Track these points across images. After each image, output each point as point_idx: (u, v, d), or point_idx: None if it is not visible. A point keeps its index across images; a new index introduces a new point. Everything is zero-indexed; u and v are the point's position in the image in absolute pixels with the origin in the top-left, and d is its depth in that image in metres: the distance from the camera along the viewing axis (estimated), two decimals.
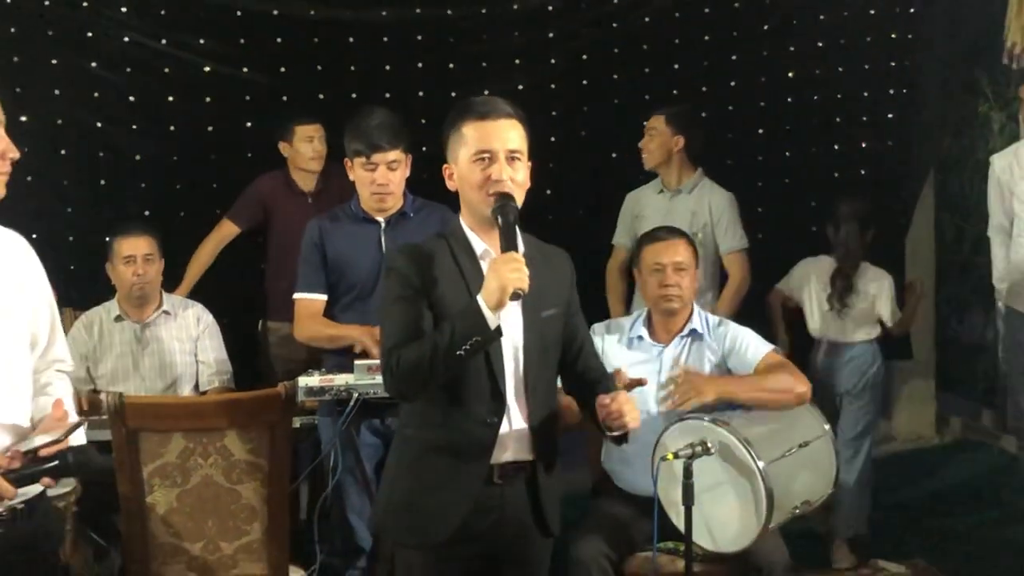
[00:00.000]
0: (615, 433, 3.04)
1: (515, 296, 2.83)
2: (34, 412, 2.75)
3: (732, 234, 5.50)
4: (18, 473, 2.55)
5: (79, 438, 2.76)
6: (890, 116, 6.90)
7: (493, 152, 2.96)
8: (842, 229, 5.50)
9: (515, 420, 3.04)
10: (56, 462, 2.59)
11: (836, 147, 6.88)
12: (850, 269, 5.46)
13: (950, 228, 7.04)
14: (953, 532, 5.75)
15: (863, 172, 6.86)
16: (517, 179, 2.99)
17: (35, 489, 2.66)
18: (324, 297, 4.24)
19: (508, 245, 2.88)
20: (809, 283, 5.59)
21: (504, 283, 2.81)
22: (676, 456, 3.64)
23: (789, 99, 6.74)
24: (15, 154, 2.67)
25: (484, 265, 2.98)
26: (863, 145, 6.88)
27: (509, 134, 2.99)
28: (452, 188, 3.08)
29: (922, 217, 7.27)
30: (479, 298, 2.85)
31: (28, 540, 2.72)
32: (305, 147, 5.56)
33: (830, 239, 5.57)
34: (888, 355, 5.86)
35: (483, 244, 3.04)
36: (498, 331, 2.87)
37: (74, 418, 2.76)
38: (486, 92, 6.09)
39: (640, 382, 3.88)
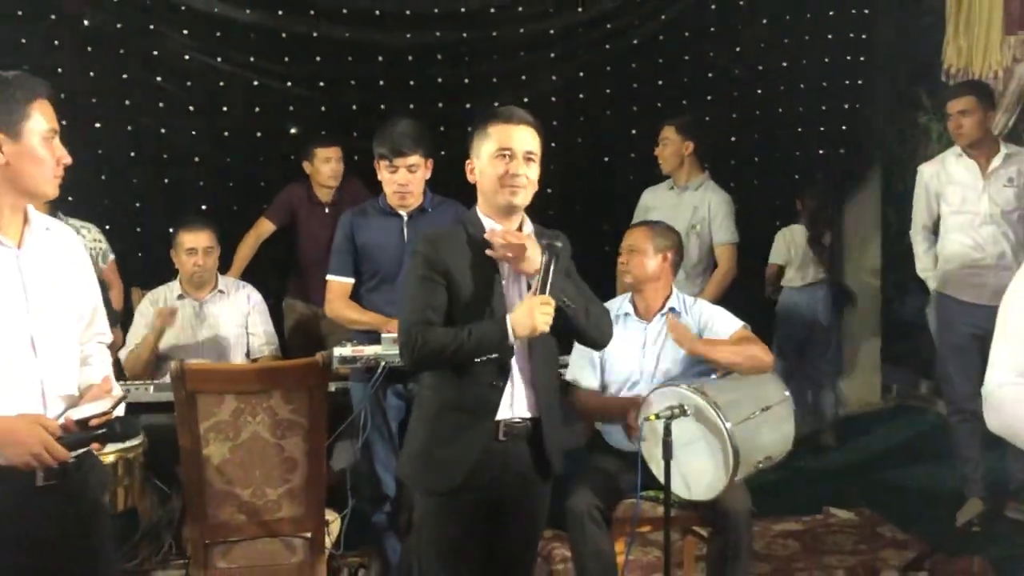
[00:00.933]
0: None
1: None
2: (80, 381, 2.75)
3: (724, 229, 5.53)
4: (72, 439, 2.56)
5: (119, 410, 2.75)
6: (844, 128, 6.94)
7: (513, 150, 3.00)
8: (811, 204, 6.45)
9: (517, 383, 3.06)
10: (104, 430, 2.61)
11: (797, 153, 6.92)
12: (819, 233, 6.43)
13: (894, 223, 7.01)
14: (894, 483, 5.80)
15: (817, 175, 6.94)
16: (531, 176, 3.04)
17: (79, 450, 2.66)
18: (352, 280, 4.24)
19: (544, 288, 2.92)
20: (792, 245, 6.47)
21: (535, 323, 2.89)
22: (657, 417, 3.66)
23: (757, 112, 6.76)
24: (68, 160, 2.65)
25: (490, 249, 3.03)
26: (820, 152, 6.93)
27: (527, 137, 3.04)
28: (472, 180, 3.11)
29: (871, 213, 7.29)
30: (509, 323, 2.89)
31: (79, 490, 2.71)
32: (324, 167, 5.57)
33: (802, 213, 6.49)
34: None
35: (496, 225, 3.06)
36: (512, 349, 2.96)
37: (118, 392, 2.76)
38: (495, 104, 6.17)
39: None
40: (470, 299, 3.01)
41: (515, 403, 3.07)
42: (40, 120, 2.58)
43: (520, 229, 3.11)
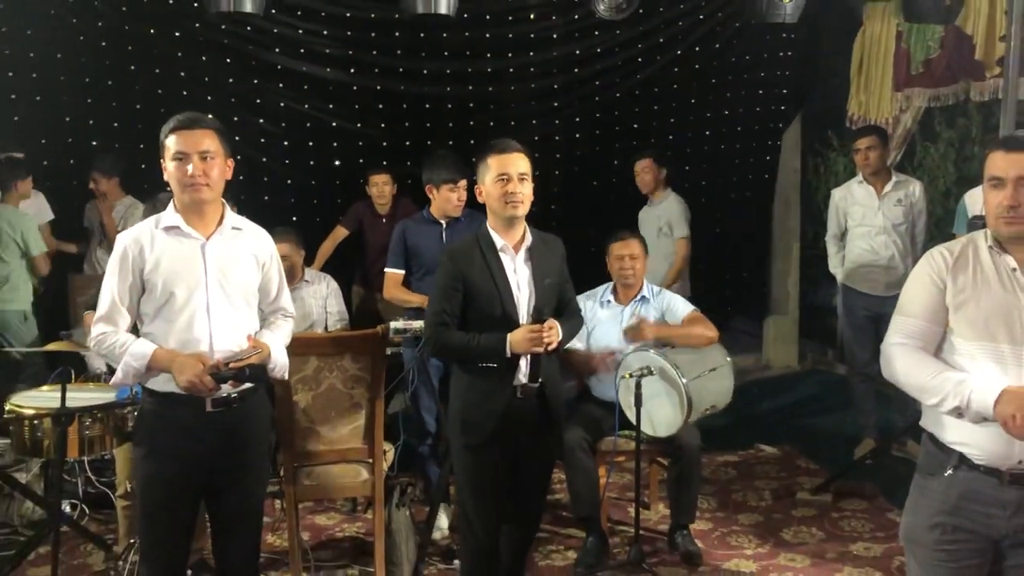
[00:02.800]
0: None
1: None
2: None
3: (679, 226, 5.59)
4: (218, 375, 2.60)
5: (281, 361, 2.83)
6: (767, 158, 6.93)
7: (509, 174, 2.96)
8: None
9: (532, 381, 3.04)
10: (235, 373, 2.64)
11: (734, 179, 6.91)
12: None
13: (810, 233, 6.98)
14: (808, 426, 5.80)
15: (748, 194, 6.97)
16: (526, 192, 3.00)
17: (247, 386, 2.72)
18: (403, 272, 4.24)
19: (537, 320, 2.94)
20: None
21: (528, 348, 2.91)
22: (631, 376, 3.69)
23: (705, 147, 6.76)
24: (190, 173, 2.62)
25: (503, 256, 3.01)
26: (749, 176, 6.91)
27: (520, 162, 2.99)
28: (481, 201, 3.08)
29: (792, 226, 7.27)
30: (509, 340, 2.90)
31: (242, 417, 2.75)
32: (374, 189, 5.54)
33: None
34: None
35: (502, 240, 3.02)
36: (509, 362, 2.95)
37: (256, 349, 2.72)
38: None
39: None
40: (484, 301, 2.98)
41: (528, 372, 3.04)
42: (170, 147, 2.65)
43: (522, 239, 3.05)
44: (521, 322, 2.99)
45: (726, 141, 6.78)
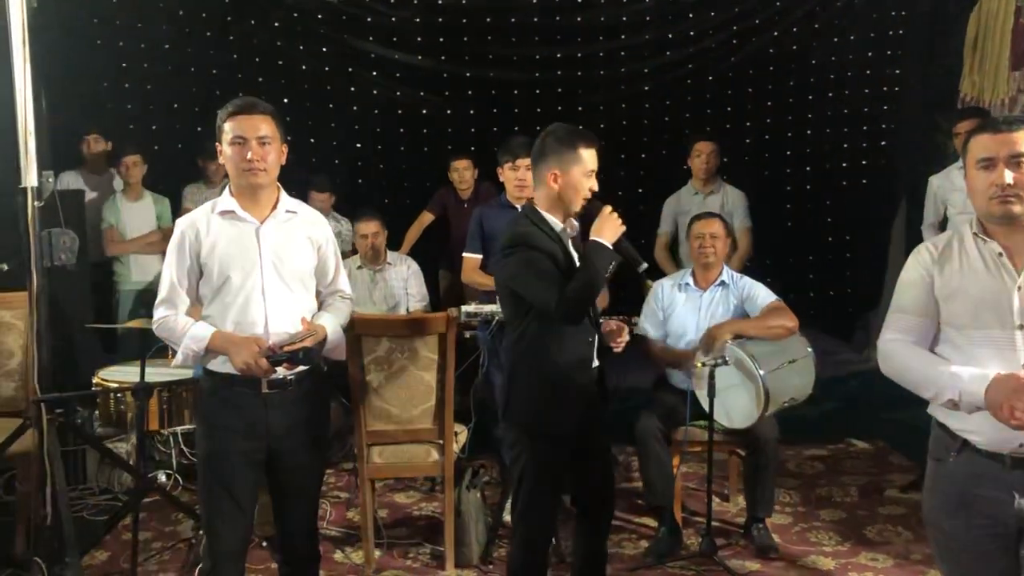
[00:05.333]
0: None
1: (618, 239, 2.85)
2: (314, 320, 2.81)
3: (744, 217, 5.30)
4: (272, 357, 2.65)
5: (337, 342, 2.85)
6: (883, 143, 6.61)
7: (594, 172, 2.88)
8: None
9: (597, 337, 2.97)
10: (289, 355, 2.67)
11: (844, 164, 6.62)
12: None
13: (917, 219, 6.61)
14: (905, 420, 5.29)
15: (864, 181, 6.63)
16: (595, 189, 2.90)
17: (301, 369, 2.73)
18: (480, 256, 4.24)
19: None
20: None
21: (615, 226, 2.84)
22: (704, 365, 3.61)
23: (808, 132, 6.50)
24: (248, 157, 2.65)
25: (562, 236, 2.92)
26: (863, 162, 6.61)
27: (595, 160, 2.90)
28: (553, 187, 2.87)
29: (900, 217, 6.95)
30: (599, 240, 2.80)
31: (300, 397, 2.77)
32: (455, 175, 5.56)
33: None
34: None
35: (560, 224, 2.92)
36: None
37: (310, 333, 2.74)
38: (602, 126, 6.13)
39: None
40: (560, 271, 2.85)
41: (598, 353, 2.98)
42: (228, 131, 2.68)
43: (570, 225, 2.96)
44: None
45: (832, 124, 6.50)
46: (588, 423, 2.97)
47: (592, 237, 2.84)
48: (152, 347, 3.58)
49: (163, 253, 5.38)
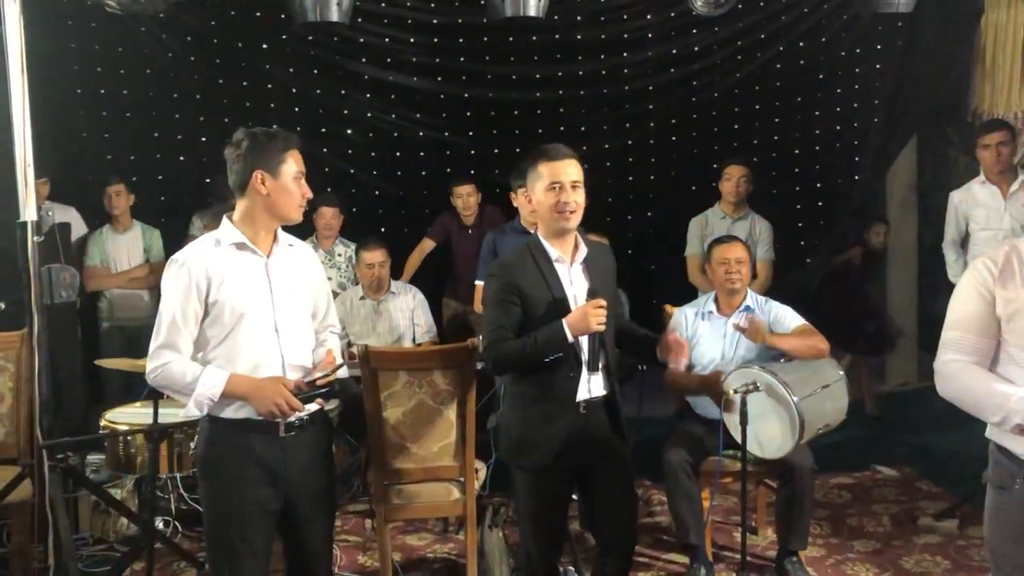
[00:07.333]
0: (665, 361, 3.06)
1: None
2: (314, 358, 2.84)
3: (768, 248, 5.40)
4: (304, 395, 2.68)
5: (343, 374, 2.89)
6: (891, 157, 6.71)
7: (562, 183, 2.91)
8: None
9: (593, 370, 2.98)
10: (326, 389, 2.72)
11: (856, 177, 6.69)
12: None
13: (928, 237, 6.78)
14: (930, 445, 5.63)
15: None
16: (579, 201, 2.94)
17: (314, 407, 2.77)
18: None
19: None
20: None
21: (589, 325, 2.85)
22: (735, 392, 3.65)
23: (796, 151, 6.57)
24: (310, 195, 2.80)
25: (557, 267, 2.97)
26: (839, 182, 6.68)
27: (572, 169, 2.95)
28: (530, 210, 3.07)
29: (909, 231, 7.08)
30: (565, 326, 2.84)
31: (312, 441, 2.80)
32: (458, 201, 5.65)
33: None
34: None
35: (556, 251, 2.98)
36: (573, 346, 2.89)
37: (339, 361, 2.85)
38: (606, 147, 6.22)
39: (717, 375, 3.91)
40: (541, 316, 2.94)
41: (592, 386, 3.01)
42: (293, 164, 2.75)
43: (576, 248, 3.02)
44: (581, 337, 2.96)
45: (841, 139, 6.56)
46: (590, 457, 3.02)
47: (563, 320, 2.88)
48: (145, 389, 3.59)
49: (150, 289, 5.58)
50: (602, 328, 2.86)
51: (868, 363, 6.55)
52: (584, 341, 2.95)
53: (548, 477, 2.99)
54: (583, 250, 3.03)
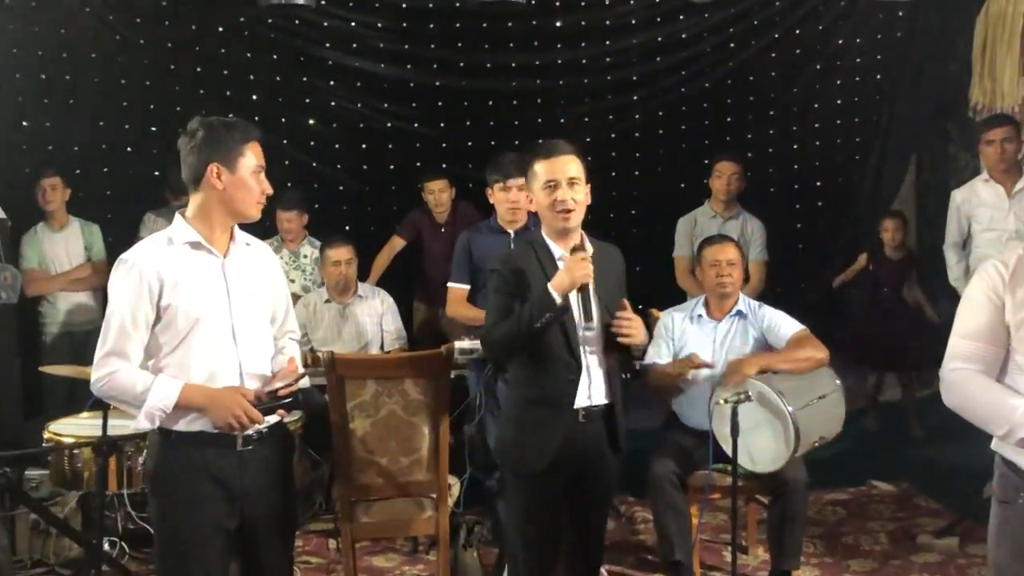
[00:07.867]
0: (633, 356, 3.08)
1: (583, 288, 2.85)
2: (273, 366, 2.77)
3: (761, 249, 5.38)
4: (264, 406, 2.61)
5: (305, 383, 2.82)
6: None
7: (558, 181, 2.93)
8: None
9: (594, 375, 2.98)
10: (288, 400, 2.65)
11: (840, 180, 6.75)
12: None
13: (927, 236, 6.81)
14: (928, 459, 5.60)
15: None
16: (578, 199, 2.96)
17: (274, 419, 2.70)
18: (468, 286, 4.23)
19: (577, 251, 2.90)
20: None
21: (574, 277, 2.85)
22: (726, 402, 3.60)
23: (795, 146, 6.65)
24: (270, 191, 2.73)
25: (560, 265, 2.96)
26: (840, 180, 6.75)
27: (569, 166, 2.95)
28: (532, 210, 3.11)
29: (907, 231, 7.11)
30: (549, 285, 2.84)
31: (271, 454, 2.73)
32: (431, 197, 5.58)
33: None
34: None
35: (560, 249, 2.99)
36: (564, 308, 2.87)
37: (301, 370, 2.78)
38: (588, 140, 6.17)
39: (709, 365, 3.88)
40: None
41: (593, 393, 3.00)
42: (252, 158, 2.67)
43: (582, 245, 3.00)
44: (581, 338, 2.96)
45: (841, 133, 6.63)
46: (583, 466, 3.02)
47: (548, 283, 2.87)
48: (90, 399, 3.50)
49: (94, 290, 5.46)
50: (588, 279, 2.87)
51: (920, 379, 6.30)
52: (578, 336, 2.95)
53: (541, 483, 2.99)
54: (588, 249, 3.02)
